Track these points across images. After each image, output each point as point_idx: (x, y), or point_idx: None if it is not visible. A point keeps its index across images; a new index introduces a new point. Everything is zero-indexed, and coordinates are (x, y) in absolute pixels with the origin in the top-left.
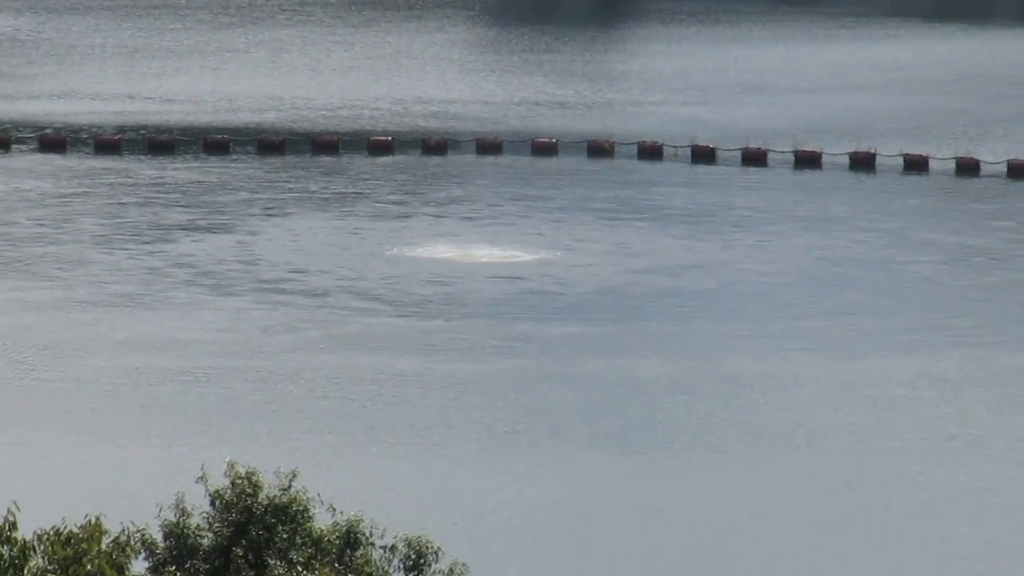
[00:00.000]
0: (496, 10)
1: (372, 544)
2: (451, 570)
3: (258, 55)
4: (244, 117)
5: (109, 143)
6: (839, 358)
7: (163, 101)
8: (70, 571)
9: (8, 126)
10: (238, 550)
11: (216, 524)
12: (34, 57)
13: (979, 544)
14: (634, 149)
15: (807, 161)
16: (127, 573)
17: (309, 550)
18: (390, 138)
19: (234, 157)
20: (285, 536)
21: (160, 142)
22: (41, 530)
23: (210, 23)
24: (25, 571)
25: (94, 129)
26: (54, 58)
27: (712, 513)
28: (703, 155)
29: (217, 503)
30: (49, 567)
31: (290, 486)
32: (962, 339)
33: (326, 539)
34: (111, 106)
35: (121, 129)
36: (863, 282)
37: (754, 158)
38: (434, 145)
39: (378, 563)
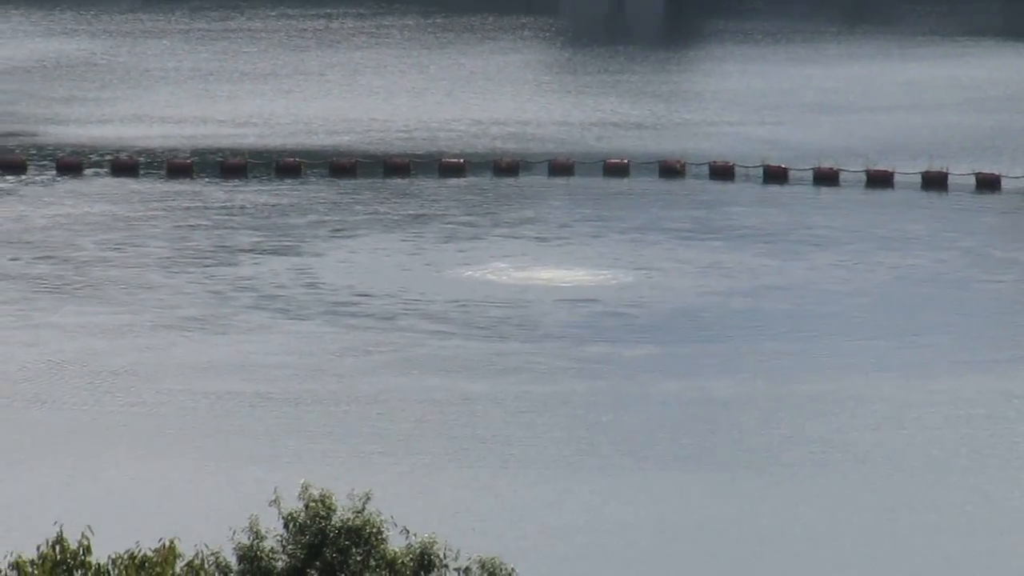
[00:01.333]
0: (570, 31)
1: (446, 566)
2: None
3: (333, 78)
4: (317, 140)
5: (181, 167)
6: (917, 378)
7: (236, 124)
8: None
9: (81, 151)
10: (312, 572)
11: (290, 547)
12: (108, 81)
13: None
14: (705, 169)
15: (879, 180)
16: None
17: (383, 572)
18: (462, 160)
19: (306, 180)
20: (359, 558)
21: (232, 165)
22: (116, 554)
23: (285, 46)
24: None
25: (167, 153)
26: (128, 82)
27: (787, 532)
28: (775, 175)
29: (291, 526)
30: None
31: (364, 508)
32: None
33: (400, 561)
34: (184, 130)
35: (194, 153)
36: (942, 301)
37: (826, 178)
38: (505, 166)
39: None
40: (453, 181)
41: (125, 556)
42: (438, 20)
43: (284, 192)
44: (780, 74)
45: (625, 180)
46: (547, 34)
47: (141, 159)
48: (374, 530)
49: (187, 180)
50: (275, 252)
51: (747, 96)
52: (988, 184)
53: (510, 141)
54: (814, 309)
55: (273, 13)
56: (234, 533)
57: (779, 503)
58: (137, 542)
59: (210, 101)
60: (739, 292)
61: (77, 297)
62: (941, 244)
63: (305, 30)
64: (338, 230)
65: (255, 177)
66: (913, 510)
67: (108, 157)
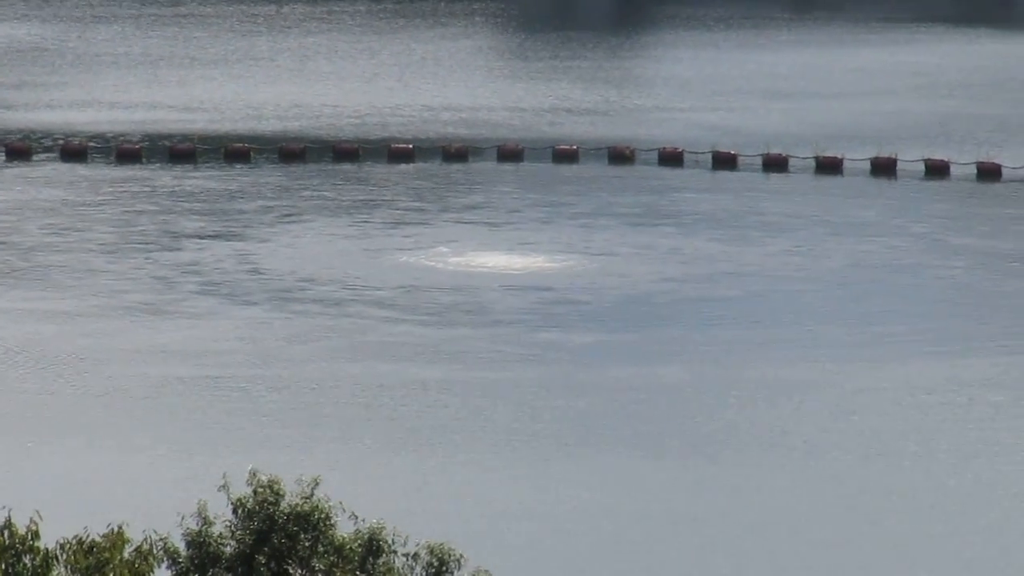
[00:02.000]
0: (520, 17)
1: (395, 552)
2: None
3: (283, 63)
4: (267, 125)
5: (130, 152)
6: (869, 364)
7: (186, 110)
8: None
9: (31, 136)
10: (260, 558)
11: (238, 532)
12: (58, 66)
13: (1010, 549)
14: (655, 155)
15: (828, 167)
16: None
17: (331, 558)
18: (411, 146)
19: (255, 165)
20: (307, 544)
21: (181, 151)
22: (64, 539)
23: (236, 31)
24: None
25: (116, 138)
26: (78, 67)
27: (739, 518)
28: (724, 161)
29: (239, 511)
30: None
31: (312, 494)
32: (992, 344)
33: (348, 547)
34: (134, 115)
35: (143, 138)
36: (894, 288)
37: (775, 164)
38: (454, 152)
39: (400, 571)
40: (402, 167)
41: (73, 541)
42: (389, 6)
43: (233, 177)
44: (731, 60)
45: (574, 166)
46: (498, 20)
47: (91, 144)
48: (322, 516)
49: (136, 165)
50: (222, 237)
51: (698, 82)
52: (937, 170)
53: (461, 127)
54: (767, 295)
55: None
56: (182, 519)
57: (730, 489)
58: (85, 527)
59: (160, 86)
60: (691, 278)
61: (23, 281)
62: (892, 230)
63: (256, 15)
64: (286, 215)
65: (204, 163)
66: (864, 495)
67: (59, 142)
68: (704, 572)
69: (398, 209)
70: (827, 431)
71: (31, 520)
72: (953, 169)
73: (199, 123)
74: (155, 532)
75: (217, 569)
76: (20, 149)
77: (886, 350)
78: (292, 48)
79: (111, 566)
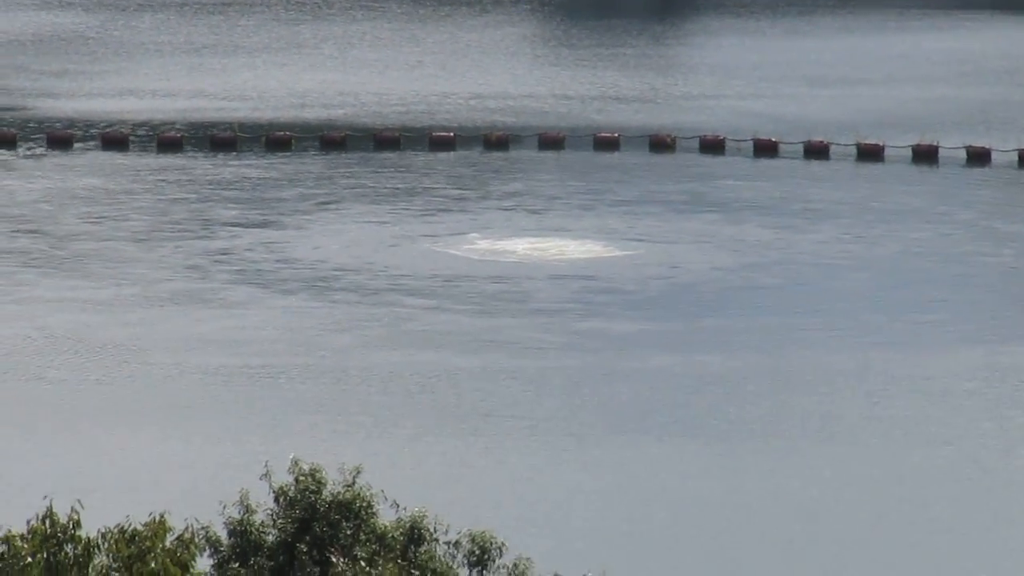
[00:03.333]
0: (565, 5)
1: (436, 540)
2: (515, 565)
3: (327, 51)
4: (310, 113)
5: (171, 140)
6: (913, 352)
7: (228, 98)
8: (134, 569)
9: (72, 124)
10: (302, 546)
11: (280, 521)
12: (100, 54)
13: None
14: (696, 143)
15: (869, 154)
16: (192, 570)
17: (373, 546)
18: (452, 133)
19: (296, 153)
20: (349, 532)
21: (222, 139)
22: (105, 528)
23: (281, 19)
24: (89, 569)
25: (158, 127)
26: (120, 55)
27: (779, 504)
28: (765, 148)
29: (281, 500)
30: (113, 565)
31: (354, 482)
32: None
33: (390, 535)
34: (176, 103)
35: (186, 127)
36: (942, 275)
37: (816, 151)
38: (495, 140)
39: (442, 559)
40: (443, 155)
41: (115, 530)
42: None
43: (273, 166)
44: (774, 47)
45: (615, 154)
46: (543, 7)
47: (132, 133)
48: (364, 504)
49: (177, 154)
50: (260, 226)
51: (740, 69)
52: (978, 157)
53: (503, 115)
54: (813, 283)
55: None
56: (224, 507)
57: (772, 476)
58: (127, 516)
59: (203, 74)
60: (736, 266)
61: (61, 271)
62: (938, 218)
63: (302, 3)
64: (325, 204)
65: (245, 151)
66: (904, 482)
67: (102, 130)
68: (746, 556)
69: (440, 197)
70: (869, 418)
71: (72, 509)
72: (994, 156)
73: (241, 111)
74: (197, 521)
75: (259, 557)
76: (61, 138)
77: (931, 338)
78: (336, 36)
79: (152, 555)
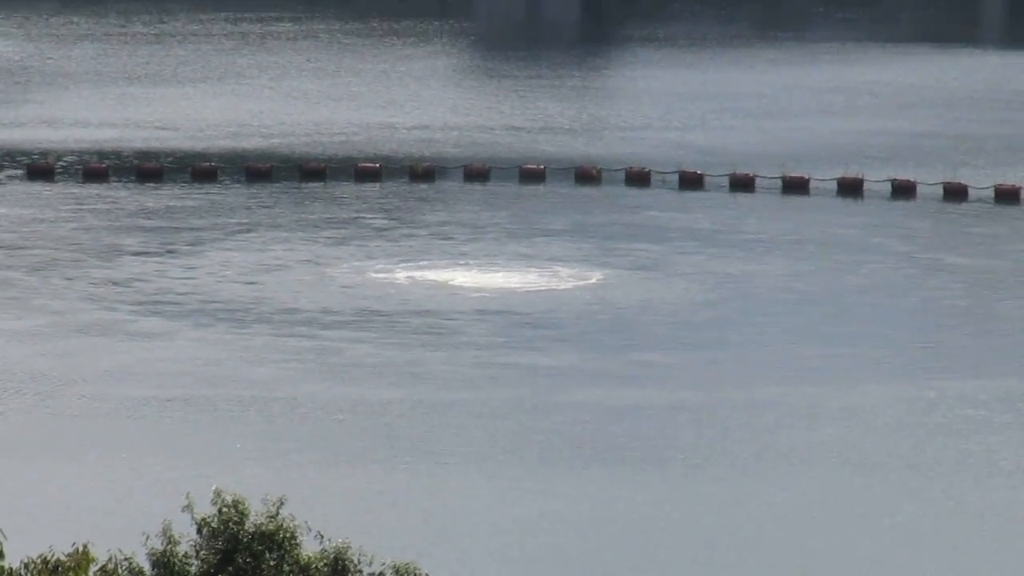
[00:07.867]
0: (485, 36)
1: (360, 571)
2: None
3: (264, 81)
4: (241, 144)
5: (96, 171)
6: (841, 383)
7: (159, 128)
8: None
9: None
10: None
11: (203, 552)
12: (31, 84)
13: (977, 561)
14: (622, 175)
15: (795, 186)
16: None
17: None
18: (378, 165)
19: (221, 184)
20: (272, 564)
21: (148, 170)
22: (28, 558)
23: (221, 49)
24: None
25: (85, 156)
26: (51, 85)
27: (712, 533)
28: (691, 181)
29: (204, 531)
30: None
31: (277, 513)
32: (965, 362)
33: (314, 566)
34: (106, 134)
35: (113, 157)
36: (874, 308)
37: (742, 184)
38: (421, 172)
39: None
40: (369, 186)
41: (38, 560)
42: (354, 25)
43: (197, 196)
44: (696, 79)
45: (541, 186)
46: (463, 39)
47: (58, 163)
48: (288, 535)
49: (102, 184)
50: (183, 256)
51: (664, 101)
52: (903, 190)
53: (426, 146)
54: (743, 315)
55: (189, 18)
56: (147, 538)
57: (704, 504)
58: (50, 546)
59: (134, 104)
60: (665, 300)
61: None
62: (870, 249)
63: (244, 33)
64: (250, 234)
65: (171, 181)
66: (836, 509)
67: (28, 160)
68: None
69: (365, 228)
70: (798, 450)
71: None
72: (920, 189)
73: (171, 141)
74: (120, 551)
75: None
76: None
77: (860, 370)
78: (275, 66)
79: None
